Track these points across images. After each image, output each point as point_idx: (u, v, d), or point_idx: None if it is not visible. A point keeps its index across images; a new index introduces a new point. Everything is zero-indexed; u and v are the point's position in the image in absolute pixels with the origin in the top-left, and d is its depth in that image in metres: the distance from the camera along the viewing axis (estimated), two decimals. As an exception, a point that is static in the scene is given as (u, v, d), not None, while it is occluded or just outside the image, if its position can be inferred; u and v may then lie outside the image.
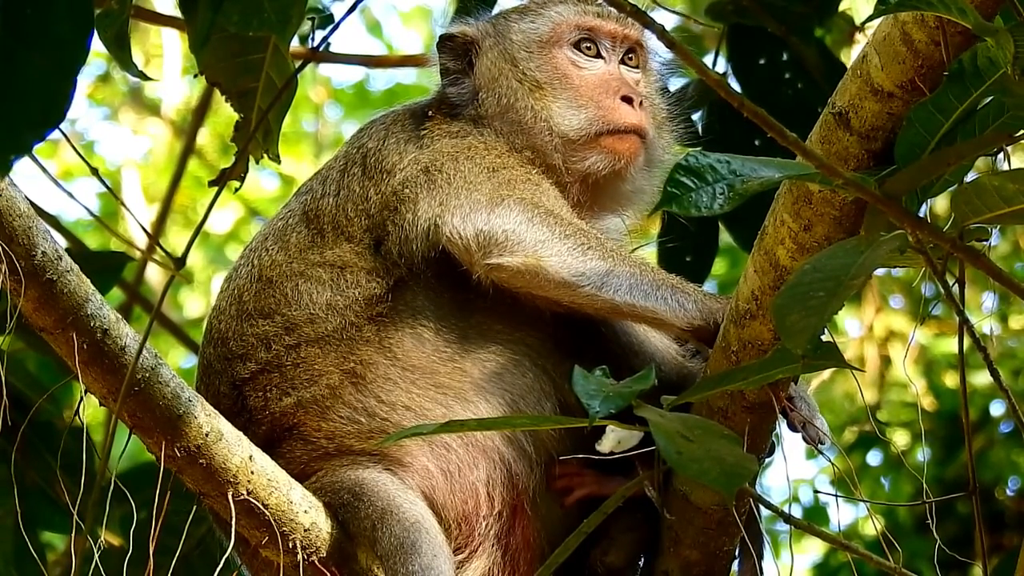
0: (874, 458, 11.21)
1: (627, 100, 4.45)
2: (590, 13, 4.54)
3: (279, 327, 4.28)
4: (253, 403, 4.27)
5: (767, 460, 4.26)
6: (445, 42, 4.56)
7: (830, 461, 4.33)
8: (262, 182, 14.21)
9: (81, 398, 3.99)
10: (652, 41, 4.62)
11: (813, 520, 10.41)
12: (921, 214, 3.59)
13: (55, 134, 3.35)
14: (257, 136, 4.80)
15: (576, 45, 4.52)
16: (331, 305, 4.26)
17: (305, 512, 4.12)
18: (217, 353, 4.34)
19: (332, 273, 4.29)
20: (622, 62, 4.56)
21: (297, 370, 4.25)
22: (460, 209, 4.21)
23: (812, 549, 10.94)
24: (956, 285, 3.60)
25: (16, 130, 3.06)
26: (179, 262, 3.96)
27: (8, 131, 3.07)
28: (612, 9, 4.51)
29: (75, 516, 4.20)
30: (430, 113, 4.50)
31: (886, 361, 11.40)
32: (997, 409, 10.83)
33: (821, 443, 4.13)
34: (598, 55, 4.53)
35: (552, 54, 4.51)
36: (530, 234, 4.17)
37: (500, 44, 4.53)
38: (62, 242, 4.28)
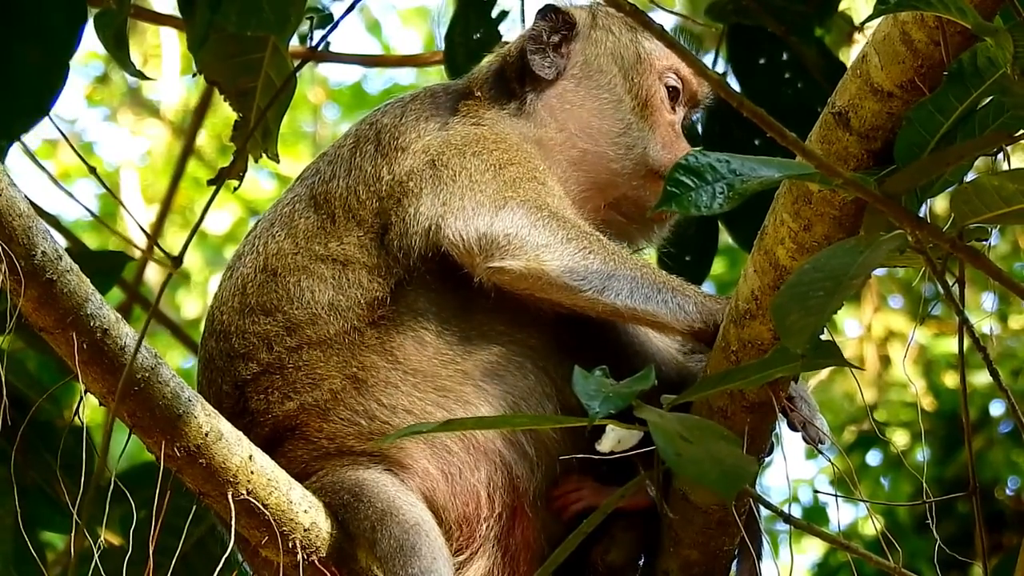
0: (874, 458, 11.21)
1: None
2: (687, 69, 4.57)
3: (280, 327, 4.26)
4: (255, 405, 4.26)
5: (767, 460, 4.26)
6: (548, 12, 4.54)
7: (830, 461, 4.33)
8: (260, 182, 14.21)
9: (81, 398, 3.98)
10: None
11: (813, 520, 10.41)
12: (921, 214, 3.60)
13: (54, 134, 3.36)
14: (256, 135, 4.81)
15: (670, 88, 4.56)
16: (333, 305, 4.24)
17: (305, 512, 4.11)
18: (219, 348, 4.33)
19: (334, 270, 4.27)
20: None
21: (299, 373, 4.23)
22: (463, 211, 4.20)
23: (812, 549, 10.94)
24: (956, 285, 3.59)
25: (7, 118, 3.06)
26: (177, 259, 3.96)
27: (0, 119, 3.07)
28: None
29: (75, 516, 4.20)
30: (476, 92, 4.47)
31: (885, 361, 11.40)
32: (997, 409, 10.83)
33: (821, 443, 4.13)
34: (678, 103, 4.59)
35: (658, 86, 4.54)
36: (532, 237, 4.16)
37: (612, 44, 4.53)
38: (62, 242, 4.28)
